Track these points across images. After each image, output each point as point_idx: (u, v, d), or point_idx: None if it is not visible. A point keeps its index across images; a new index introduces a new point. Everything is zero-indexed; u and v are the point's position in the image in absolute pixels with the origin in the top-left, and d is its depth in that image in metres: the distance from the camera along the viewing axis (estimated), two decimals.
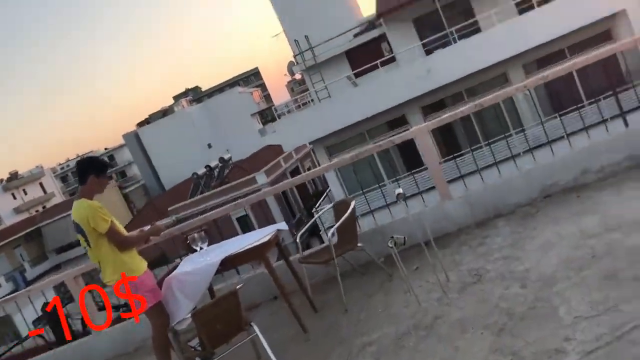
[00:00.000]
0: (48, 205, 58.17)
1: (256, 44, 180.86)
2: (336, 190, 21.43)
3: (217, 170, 39.03)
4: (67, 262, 42.57)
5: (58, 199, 61.96)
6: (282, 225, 4.78)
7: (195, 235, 4.70)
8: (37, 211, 56.13)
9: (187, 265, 4.66)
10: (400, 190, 4.27)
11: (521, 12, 19.79)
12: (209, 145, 50.98)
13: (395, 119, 21.01)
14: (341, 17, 22.95)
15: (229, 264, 4.45)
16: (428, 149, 5.40)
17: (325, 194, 23.79)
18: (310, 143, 22.32)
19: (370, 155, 20.40)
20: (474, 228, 5.24)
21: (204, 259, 4.62)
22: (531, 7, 19.17)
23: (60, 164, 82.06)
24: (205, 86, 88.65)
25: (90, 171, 4.36)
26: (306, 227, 5.68)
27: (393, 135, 20.43)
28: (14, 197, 60.87)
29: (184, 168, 44.50)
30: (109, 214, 4.32)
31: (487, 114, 20.01)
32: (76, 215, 4.31)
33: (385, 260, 5.18)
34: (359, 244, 4.88)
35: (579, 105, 18.45)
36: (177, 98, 70.55)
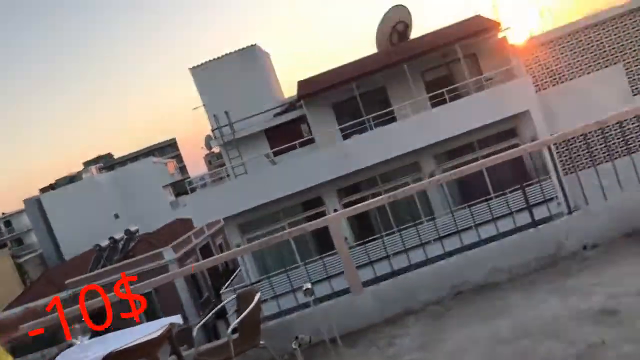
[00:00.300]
0: None
1: (176, 114, 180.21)
2: (247, 269, 20.80)
3: (121, 242, 37.19)
4: None
5: None
6: (176, 319, 4.30)
7: (76, 326, 4.12)
8: None
9: None
10: (309, 286, 3.97)
11: (434, 105, 20.77)
12: (116, 216, 48.90)
13: (310, 200, 20.98)
14: (262, 96, 23.17)
15: None
16: (340, 240, 5.17)
17: (235, 273, 23.04)
18: (223, 219, 21.75)
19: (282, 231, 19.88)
20: (383, 326, 4.97)
21: (82, 356, 4.03)
22: (443, 102, 20.17)
23: None
24: (119, 154, 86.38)
25: None
26: (205, 318, 5.18)
27: (308, 216, 20.30)
28: None
29: (87, 239, 42.13)
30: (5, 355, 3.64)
31: (400, 201, 20.43)
32: None
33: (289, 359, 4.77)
34: (261, 342, 4.46)
35: (487, 197, 19.27)
36: (87, 164, 67.97)
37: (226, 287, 20.55)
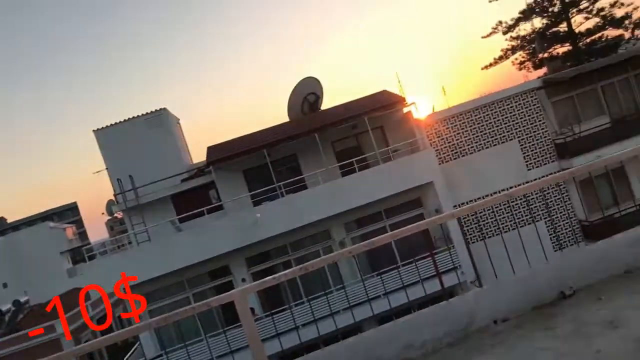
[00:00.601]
0: None
1: (77, 177, 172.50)
2: (147, 343, 19.52)
3: (8, 314, 34.09)
4: None
5: None
6: None
7: None
8: None
9: None
10: None
11: (344, 174, 21.06)
12: (5, 285, 45.16)
13: (217, 269, 20.29)
14: (170, 161, 22.58)
15: None
16: (246, 317, 4.82)
17: (135, 346, 21.53)
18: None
19: (188, 304, 19.02)
20: None
21: None
22: (352, 171, 20.51)
23: None
24: (11, 218, 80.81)
25: None
26: None
27: (214, 286, 19.52)
28: None
29: None
30: None
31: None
32: None
33: None
34: None
35: (395, 265, 19.46)
36: None
37: None
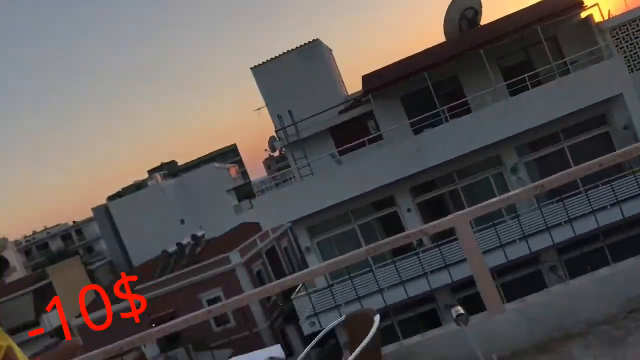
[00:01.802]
0: (9, 280, 54.92)
1: (236, 119, 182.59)
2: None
3: (188, 248, 37.14)
4: (21, 343, 39.31)
5: (20, 274, 58.78)
6: (277, 352, 3.32)
7: None
8: None
9: None
10: (461, 311, 2.91)
11: (513, 94, 19.25)
12: (182, 222, 49.22)
13: (382, 200, 19.87)
14: (326, 94, 22.22)
15: None
16: (471, 244, 4.06)
17: (299, 286, 22.10)
18: (291, 223, 20.96)
19: (354, 236, 18.88)
20: (535, 354, 3.84)
21: None
22: (524, 89, 18.62)
23: (26, 237, 78.75)
24: (182, 161, 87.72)
25: None
26: (306, 351, 4.12)
27: (379, 217, 19.10)
28: None
29: (154, 245, 42.45)
30: (5, 335, 2.79)
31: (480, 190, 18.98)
32: None
33: None
34: None
35: (581, 190, 17.53)
36: (152, 172, 69.09)
37: (297, 292, 19.69)
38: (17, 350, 2.89)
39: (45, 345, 33.36)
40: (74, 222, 75.96)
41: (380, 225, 20.21)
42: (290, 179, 22.89)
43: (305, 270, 4.70)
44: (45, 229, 77.95)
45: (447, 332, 4.06)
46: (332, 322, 13.85)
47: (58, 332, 39.53)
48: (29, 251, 74.98)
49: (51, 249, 71.77)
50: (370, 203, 20.00)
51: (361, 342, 3.38)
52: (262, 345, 29.25)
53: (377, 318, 3.45)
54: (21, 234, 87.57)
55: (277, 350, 3.31)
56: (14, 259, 63.13)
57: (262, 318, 33.00)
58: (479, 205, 4.21)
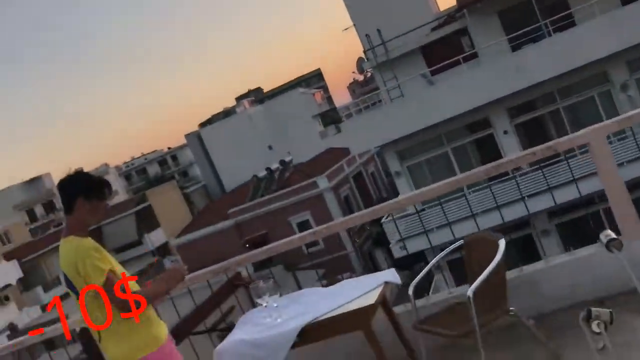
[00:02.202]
0: (112, 203, 58.80)
1: (319, 44, 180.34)
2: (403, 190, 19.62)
3: (277, 173, 37.85)
4: (126, 261, 42.39)
5: (121, 197, 62.70)
6: (392, 277, 3.11)
7: (261, 283, 3.10)
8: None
9: (246, 330, 3.09)
10: (612, 235, 2.56)
11: (625, 2, 17.42)
12: (270, 147, 49.99)
13: (476, 122, 19.02)
14: (417, 10, 21.06)
15: (311, 335, 2.85)
16: (607, 162, 3.60)
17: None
18: (380, 146, 20.61)
19: (446, 159, 18.25)
20: None
21: (272, 323, 3.03)
22: None
23: (125, 162, 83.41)
24: (267, 87, 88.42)
25: (76, 193, 2.92)
26: (421, 274, 3.89)
27: (474, 140, 18.36)
28: None
29: (244, 170, 43.59)
30: (109, 259, 2.89)
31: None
32: (63, 261, 2.89)
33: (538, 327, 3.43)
34: (510, 308, 3.16)
35: None
36: (239, 99, 70.21)
37: (387, 217, 19.58)
38: (119, 271, 2.92)
39: (149, 263, 35.69)
40: (169, 148, 79.37)
41: (474, 149, 19.47)
42: (379, 101, 22.34)
43: (394, 200, 4.45)
44: (143, 155, 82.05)
45: (574, 258, 3.71)
46: (422, 246, 13.53)
47: (159, 251, 42.27)
48: (129, 176, 79.61)
49: (149, 174, 75.78)
50: (464, 125, 19.21)
51: (481, 267, 3.12)
52: (350, 267, 29.63)
53: (503, 243, 3.15)
54: (121, 159, 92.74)
55: (391, 274, 3.11)
56: (116, 183, 67.31)
57: (349, 240, 33.50)
58: (614, 119, 3.72)
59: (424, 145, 19.62)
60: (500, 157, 19.39)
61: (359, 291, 2.95)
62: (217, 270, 4.16)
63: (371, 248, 34.46)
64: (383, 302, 3.02)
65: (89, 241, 2.86)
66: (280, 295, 3.12)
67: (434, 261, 3.55)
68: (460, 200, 17.40)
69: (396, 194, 33.30)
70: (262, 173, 37.50)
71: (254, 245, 33.98)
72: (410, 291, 3.36)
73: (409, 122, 18.45)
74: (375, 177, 41.19)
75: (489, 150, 18.71)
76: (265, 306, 3.11)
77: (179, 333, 4.74)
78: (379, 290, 2.91)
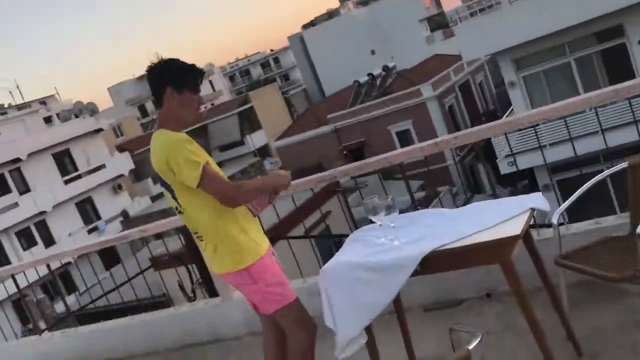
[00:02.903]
0: (216, 102, 60.47)
1: None
2: (518, 104, 18.28)
3: (379, 79, 36.74)
4: (228, 160, 43.88)
5: (225, 97, 64.23)
6: (540, 202, 2.55)
7: (376, 200, 2.66)
8: (205, 107, 58.65)
9: (357, 250, 2.70)
10: None
11: None
12: (373, 52, 48.53)
13: (607, 29, 16.97)
14: None
15: (434, 264, 2.41)
16: None
17: (505, 115, 20.58)
18: (494, 53, 19.10)
19: (568, 71, 16.58)
20: None
21: (388, 245, 2.61)
22: None
23: (229, 63, 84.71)
24: None
25: (164, 82, 2.56)
26: (571, 200, 3.24)
27: (602, 50, 16.58)
28: None
29: (345, 74, 42.76)
30: (203, 152, 2.56)
31: None
32: (153, 157, 2.60)
33: None
34: None
35: None
36: (343, 0, 67.92)
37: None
38: (213, 165, 2.61)
39: (250, 163, 36.65)
40: (271, 50, 79.36)
41: (600, 61, 17.53)
42: (497, 3, 20.48)
43: (513, 117, 3.78)
44: (246, 57, 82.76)
45: None
46: (534, 163, 12.39)
47: (260, 152, 43.29)
48: (232, 77, 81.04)
49: (252, 75, 76.67)
50: (592, 33, 17.22)
51: None
52: (449, 181, 28.84)
53: None
54: (225, 60, 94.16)
55: (539, 199, 2.55)
56: (220, 83, 68.85)
57: (450, 152, 32.41)
58: None
59: (543, 54, 17.90)
60: (631, 70, 17.45)
61: (496, 217, 2.44)
62: (323, 179, 3.80)
63: (473, 161, 33.27)
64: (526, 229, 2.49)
65: (181, 135, 2.55)
66: (399, 212, 2.67)
67: (588, 185, 2.92)
68: (583, 115, 15.96)
69: (503, 106, 31.53)
70: (363, 78, 36.54)
71: (351, 152, 33.88)
72: (555, 219, 2.80)
73: (529, 27, 16.77)
74: (482, 87, 39.07)
75: (618, 62, 16.79)
76: (380, 225, 2.68)
77: (278, 233, 4.51)
78: (524, 217, 2.38)
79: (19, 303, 25.22)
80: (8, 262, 29.13)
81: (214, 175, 2.49)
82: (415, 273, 2.41)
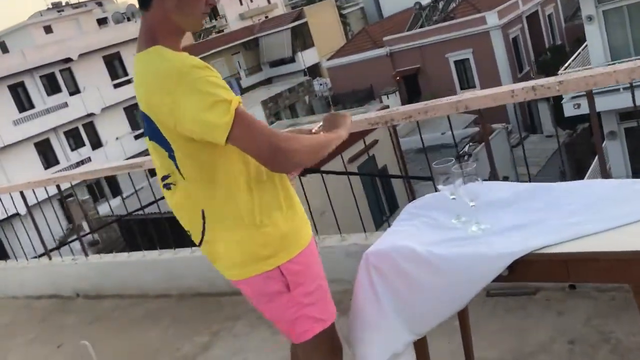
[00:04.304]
0: (270, 15, 58.74)
1: None
2: (595, 51, 16.68)
3: (442, 2, 34.55)
4: (278, 77, 42.92)
5: (279, 11, 62.31)
6: None
7: (451, 165, 1.93)
8: (259, 20, 57.15)
9: (418, 231, 1.99)
10: None
11: None
12: None
13: None
14: None
15: (534, 270, 1.69)
16: None
17: (577, 53, 18.90)
18: None
19: None
20: None
21: (464, 233, 1.90)
22: None
23: None
24: None
25: None
26: None
27: None
28: (241, 3, 62.49)
29: None
30: (226, 85, 1.64)
31: None
32: (141, 90, 1.67)
33: None
34: None
35: None
36: None
37: (565, 68, 17.00)
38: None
39: (299, 82, 35.72)
40: None
41: None
42: None
43: (583, 72, 2.84)
44: None
45: None
46: (602, 107, 10.98)
47: (310, 71, 42.11)
48: None
49: None
50: None
51: None
52: (504, 118, 27.48)
53: None
54: None
55: None
56: None
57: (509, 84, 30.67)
58: None
59: None
60: None
61: (629, 211, 1.67)
62: (376, 121, 3.05)
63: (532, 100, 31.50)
64: None
65: (191, 57, 1.65)
66: (482, 181, 1.93)
67: None
68: None
69: (571, 43, 29.34)
70: (425, 1, 34.42)
71: (404, 79, 32.44)
72: None
73: None
74: (551, 20, 36.39)
75: None
76: (454, 199, 1.96)
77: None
78: None
79: (65, 200, 25.79)
80: (57, 161, 29.70)
81: (253, 121, 1.58)
82: (498, 278, 1.71)
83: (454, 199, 1.95)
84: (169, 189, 1.77)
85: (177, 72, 1.56)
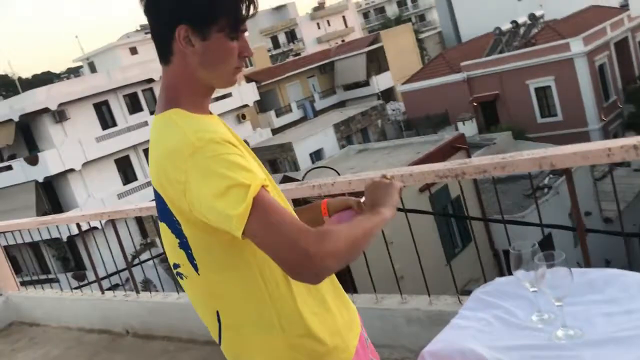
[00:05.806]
0: (347, 39, 59.12)
1: None
2: None
3: (523, 28, 33.42)
4: (351, 100, 42.86)
5: (356, 34, 62.65)
6: None
7: (531, 249, 1.56)
8: (336, 43, 57.64)
9: (485, 327, 1.62)
10: None
11: None
12: None
13: None
14: None
15: None
16: None
17: None
18: None
19: None
20: None
21: (544, 332, 1.52)
22: None
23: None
24: None
25: (176, 17, 1.30)
26: None
27: None
28: (318, 27, 63.35)
29: (486, 20, 39.44)
30: (250, 158, 1.34)
31: None
32: (152, 160, 1.38)
33: None
34: None
35: None
36: None
37: None
38: (275, 189, 1.38)
39: (372, 106, 35.49)
40: None
41: None
42: None
43: None
44: None
45: None
46: None
47: (384, 95, 41.82)
48: (367, 14, 78.71)
49: (387, 14, 73.91)
50: None
51: None
52: None
53: None
54: None
55: None
56: (353, 20, 67.15)
57: (594, 117, 29.15)
58: None
59: None
60: None
61: None
62: (445, 174, 2.67)
63: (618, 129, 29.81)
64: None
65: (208, 125, 1.34)
66: (571, 272, 1.55)
67: None
68: None
69: None
70: (506, 26, 33.42)
71: (481, 105, 31.49)
72: None
73: None
74: None
75: None
76: (535, 292, 1.59)
77: None
78: None
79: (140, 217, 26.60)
80: (135, 177, 30.74)
81: (275, 212, 1.23)
82: None
83: (534, 291, 1.58)
84: (181, 278, 1.47)
85: (190, 147, 1.26)
